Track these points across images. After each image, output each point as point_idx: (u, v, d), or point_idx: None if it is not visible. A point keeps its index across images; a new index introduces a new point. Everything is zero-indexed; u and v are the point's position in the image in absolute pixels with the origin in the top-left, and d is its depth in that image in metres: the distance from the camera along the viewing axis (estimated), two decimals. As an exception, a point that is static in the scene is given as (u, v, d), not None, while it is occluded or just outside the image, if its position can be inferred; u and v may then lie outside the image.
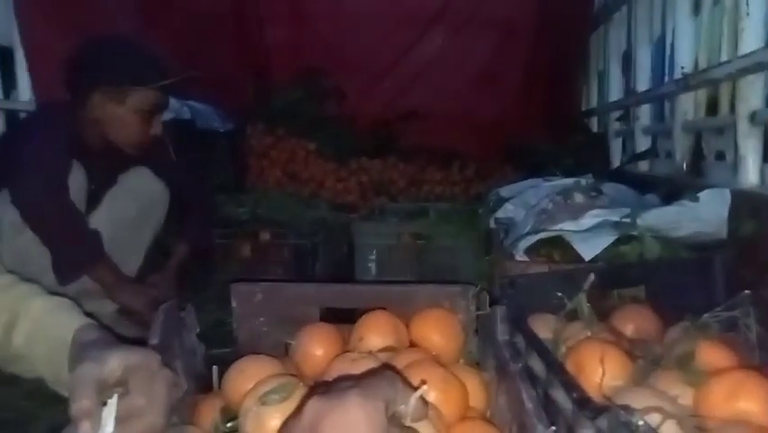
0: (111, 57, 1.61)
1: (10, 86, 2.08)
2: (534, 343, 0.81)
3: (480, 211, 2.13)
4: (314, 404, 0.52)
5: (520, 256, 1.38)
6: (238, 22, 3.54)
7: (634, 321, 0.96)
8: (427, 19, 3.61)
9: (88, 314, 0.86)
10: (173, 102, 2.08)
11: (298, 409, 0.54)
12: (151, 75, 1.60)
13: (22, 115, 2.07)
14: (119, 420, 0.65)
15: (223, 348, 1.11)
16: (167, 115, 1.98)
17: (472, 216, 2.14)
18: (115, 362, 0.69)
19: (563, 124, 3.31)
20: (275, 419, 0.70)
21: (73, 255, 1.50)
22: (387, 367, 0.73)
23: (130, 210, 1.67)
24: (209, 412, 0.84)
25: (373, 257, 2.03)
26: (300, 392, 0.74)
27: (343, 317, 1.08)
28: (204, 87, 2.40)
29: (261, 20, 3.66)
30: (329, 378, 0.78)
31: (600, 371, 0.71)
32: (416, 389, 0.57)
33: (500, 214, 1.85)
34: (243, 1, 3.55)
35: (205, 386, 0.98)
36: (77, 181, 1.52)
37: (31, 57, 1.99)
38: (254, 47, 3.69)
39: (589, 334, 0.87)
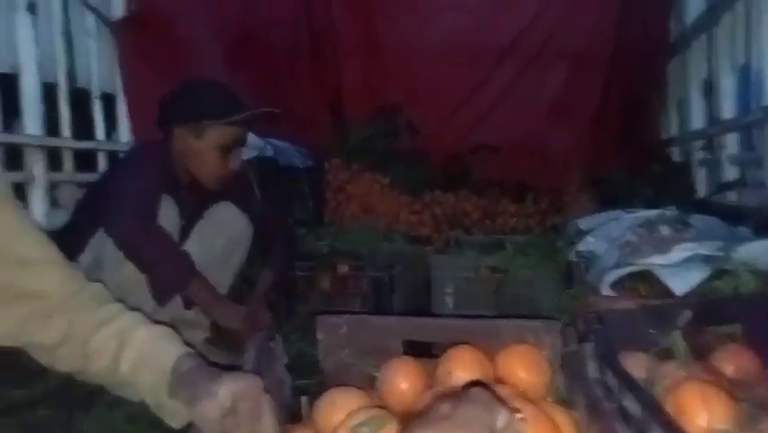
0: (191, 95, 1.72)
1: (111, 128, 2.25)
2: (629, 382, 0.79)
3: (559, 244, 2.09)
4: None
5: (606, 291, 1.34)
6: (315, 61, 3.68)
7: (734, 361, 0.92)
8: (499, 52, 3.62)
9: (186, 342, 0.92)
10: (256, 140, 2.19)
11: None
12: (226, 110, 1.69)
13: (122, 155, 2.23)
14: None
15: (307, 379, 1.14)
16: (250, 153, 2.08)
17: (550, 249, 2.11)
18: (226, 392, 0.74)
19: (641, 153, 3.22)
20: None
21: (167, 275, 1.58)
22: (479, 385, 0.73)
23: (216, 244, 1.75)
24: (300, 442, 0.86)
25: (450, 290, 2.03)
26: (391, 426, 0.75)
27: (423, 350, 1.09)
28: (284, 126, 2.51)
29: (338, 58, 3.79)
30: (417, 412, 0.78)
31: (704, 413, 0.68)
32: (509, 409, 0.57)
33: (581, 247, 1.81)
34: (320, 41, 3.69)
35: (292, 417, 1.01)
36: (168, 215, 1.61)
37: (130, 102, 2.14)
38: (331, 85, 3.82)
39: (685, 373, 0.83)
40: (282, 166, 2.52)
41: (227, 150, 1.71)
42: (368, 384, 1.05)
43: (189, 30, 2.34)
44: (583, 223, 2.08)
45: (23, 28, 1.80)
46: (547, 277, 1.99)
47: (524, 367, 0.94)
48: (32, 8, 1.81)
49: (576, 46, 3.47)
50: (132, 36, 2.15)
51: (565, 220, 2.41)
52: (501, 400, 0.58)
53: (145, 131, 2.07)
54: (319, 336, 1.11)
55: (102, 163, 2.21)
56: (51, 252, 0.95)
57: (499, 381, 0.94)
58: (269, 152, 2.43)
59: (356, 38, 3.75)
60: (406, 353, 1.06)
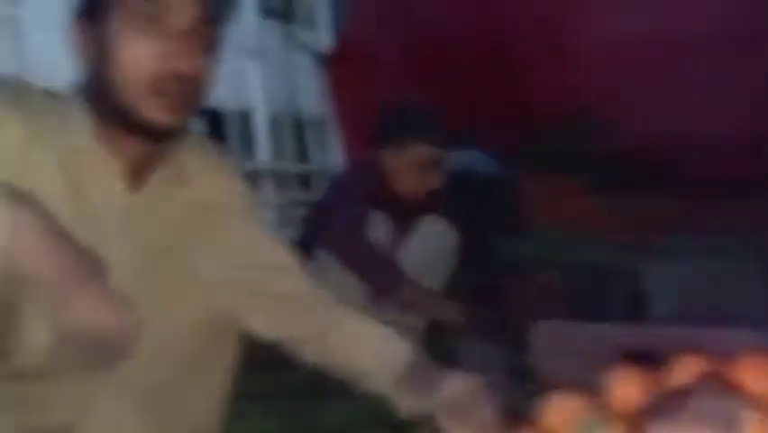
0: (394, 114, 1.86)
1: (324, 152, 2.51)
2: None
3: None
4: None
5: None
6: (500, 67, 3.69)
7: None
8: (705, 39, 3.31)
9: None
10: (454, 153, 2.27)
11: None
12: (424, 130, 1.79)
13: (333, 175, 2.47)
14: None
15: (523, 384, 1.17)
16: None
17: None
18: (452, 386, 0.81)
19: None
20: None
21: (379, 279, 1.72)
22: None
23: (426, 257, 1.87)
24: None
25: (668, 299, 1.90)
26: (616, 428, 0.76)
27: (643, 360, 1.05)
28: (477, 136, 2.57)
29: (523, 63, 3.77)
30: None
31: None
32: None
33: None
34: (504, 47, 3.69)
35: (510, 419, 1.05)
36: (378, 228, 1.76)
37: (340, 127, 2.37)
38: (519, 91, 3.80)
39: None
40: (477, 176, 2.58)
41: (428, 168, 1.82)
42: (586, 392, 1.05)
43: (386, 55, 2.53)
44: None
45: (253, 72, 2.11)
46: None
47: (761, 377, 0.87)
48: (260, 53, 2.11)
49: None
50: (337, 66, 2.39)
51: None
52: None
53: (354, 152, 2.27)
54: (534, 342, 1.14)
55: (316, 184, 2.47)
56: (294, 260, 1.11)
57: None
58: (465, 164, 2.51)
59: (543, 42, 3.70)
60: (625, 361, 1.04)
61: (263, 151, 2.19)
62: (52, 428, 0.95)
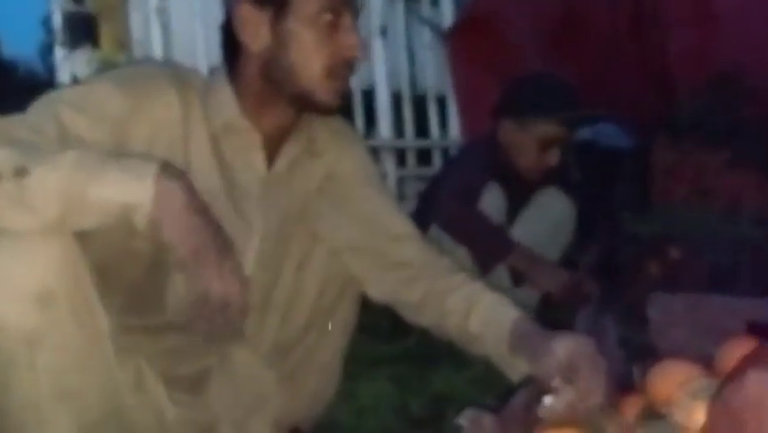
0: (522, 89, 1.83)
1: (444, 127, 2.55)
2: None
3: None
4: (759, 375, 0.53)
5: None
6: (638, 36, 3.48)
7: None
8: None
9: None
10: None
11: (735, 379, 0.55)
12: (553, 108, 1.74)
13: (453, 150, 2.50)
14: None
15: (638, 355, 1.15)
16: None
17: None
18: (564, 348, 0.83)
19: None
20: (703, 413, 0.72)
21: (487, 247, 1.72)
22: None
23: (542, 228, 1.85)
24: (631, 409, 0.89)
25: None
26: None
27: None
28: (610, 107, 2.46)
29: (662, 30, 3.52)
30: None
31: None
32: None
33: None
34: (642, 14, 3.47)
35: (624, 388, 1.04)
36: (495, 200, 1.76)
37: (460, 102, 2.39)
38: (655, 58, 3.56)
39: None
40: (603, 148, 2.49)
41: (548, 146, 1.78)
42: (705, 365, 1.01)
43: (511, 29, 2.50)
44: None
45: (377, 50, 2.19)
46: None
47: None
48: (383, 32, 2.19)
49: None
50: (460, 41, 2.40)
51: None
52: None
53: (474, 127, 2.28)
54: (652, 314, 1.11)
55: (436, 159, 2.52)
56: (414, 229, 1.17)
57: None
58: (588, 134, 2.43)
59: (683, 7, 3.44)
60: (748, 335, 0.99)
61: (385, 127, 2.27)
62: (193, 374, 1.09)
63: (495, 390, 1.42)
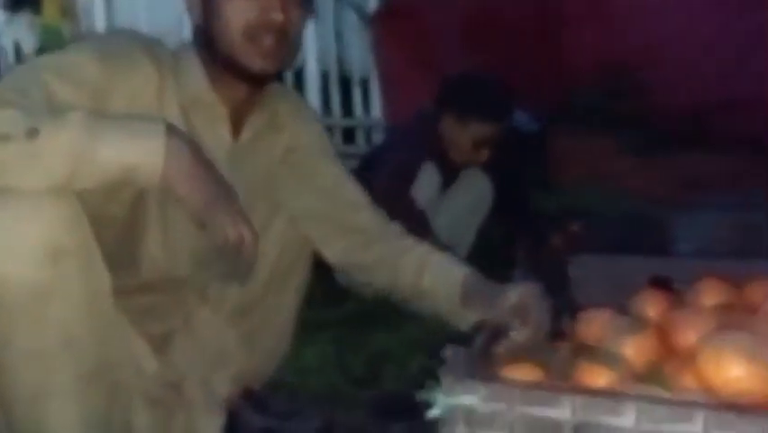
0: (467, 89, 1.96)
1: (367, 107, 2.66)
2: None
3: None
4: None
5: None
6: (541, 30, 3.75)
7: None
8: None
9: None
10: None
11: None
12: (494, 112, 1.89)
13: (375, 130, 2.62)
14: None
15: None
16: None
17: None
18: (515, 291, 0.97)
19: None
20: (629, 348, 0.88)
21: (408, 228, 1.85)
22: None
23: (465, 203, 2.02)
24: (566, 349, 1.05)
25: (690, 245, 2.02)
26: (649, 331, 0.91)
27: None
28: (518, 93, 2.67)
29: (562, 25, 3.82)
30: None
31: None
32: None
33: None
34: (546, 10, 3.75)
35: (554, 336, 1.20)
36: (431, 177, 1.90)
37: (383, 84, 2.50)
38: (554, 52, 3.86)
39: None
40: (514, 131, 2.69)
41: (483, 145, 1.94)
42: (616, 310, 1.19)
43: (430, 18, 2.63)
44: None
45: (307, 31, 2.24)
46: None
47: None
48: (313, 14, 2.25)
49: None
50: (383, 27, 2.51)
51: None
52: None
53: (395, 109, 2.41)
54: (572, 272, 1.28)
55: (360, 137, 2.63)
56: (366, 198, 1.27)
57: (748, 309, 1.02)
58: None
59: (579, 6, 3.75)
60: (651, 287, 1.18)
61: (313, 106, 2.34)
62: (160, 334, 1.13)
63: (424, 348, 1.58)
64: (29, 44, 1.45)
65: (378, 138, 2.77)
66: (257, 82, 1.06)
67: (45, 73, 0.89)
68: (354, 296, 1.85)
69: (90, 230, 0.86)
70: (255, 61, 1.01)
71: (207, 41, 1.03)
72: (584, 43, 3.75)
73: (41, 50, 1.44)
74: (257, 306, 1.25)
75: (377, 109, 2.66)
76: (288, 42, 1.04)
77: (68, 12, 1.44)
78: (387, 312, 1.81)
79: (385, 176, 1.85)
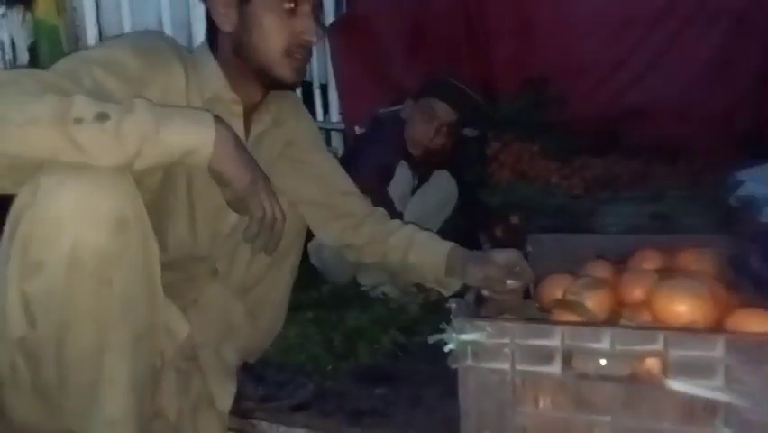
0: (430, 83, 2.15)
1: (326, 111, 2.81)
2: None
3: (719, 193, 2.29)
4: None
5: (766, 218, 1.60)
6: (469, 42, 4.03)
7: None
8: (652, 18, 3.72)
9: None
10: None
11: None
12: (457, 99, 2.08)
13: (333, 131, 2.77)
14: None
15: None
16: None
17: (710, 198, 2.31)
18: (500, 254, 1.16)
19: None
20: (591, 300, 1.09)
21: None
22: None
23: (433, 201, 2.20)
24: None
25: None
26: (605, 289, 1.13)
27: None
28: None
29: (489, 38, 4.12)
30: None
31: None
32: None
33: (741, 192, 2.04)
34: (473, 24, 4.04)
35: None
36: (405, 176, 2.07)
37: (340, 89, 2.66)
38: (484, 63, 4.15)
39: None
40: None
41: (440, 127, 2.09)
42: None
43: (382, 32, 2.83)
44: (743, 174, 2.28)
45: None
46: (709, 222, 2.20)
47: (696, 261, 1.25)
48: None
49: (736, 5, 3.47)
50: (340, 38, 2.68)
51: (723, 176, 2.57)
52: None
53: (352, 113, 2.59)
54: (528, 249, 1.49)
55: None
56: (355, 187, 1.42)
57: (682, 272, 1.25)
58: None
59: (504, 19, 4.06)
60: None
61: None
62: (183, 305, 1.24)
63: (396, 325, 1.75)
64: (22, 39, 1.48)
65: (336, 141, 2.93)
66: (281, 89, 1.20)
67: (94, 66, 0.98)
68: (324, 282, 2.00)
69: (143, 205, 0.95)
70: (289, 74, 1.14)
71: (238, 47, 1.13)
72: (509, 57, 4.08)
73: (34, 45, 1.50)
74: (259, 282, 1.38)
75: (335, 113, 2.85)
76: (310, 58, 1.19)
77: (61, 8, 1.50)
78: (358, 294, 1.98)
79: (366, 177, 1.96)
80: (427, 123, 2.09)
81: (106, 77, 0.98)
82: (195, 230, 1.19)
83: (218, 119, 0.97)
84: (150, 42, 1.11)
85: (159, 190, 1.12)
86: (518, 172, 3.64)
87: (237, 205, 1.01)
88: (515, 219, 2.57)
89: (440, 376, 0.99)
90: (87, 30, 1.65)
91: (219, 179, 0.97)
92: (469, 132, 3.11)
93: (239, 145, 0.97)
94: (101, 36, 1.71)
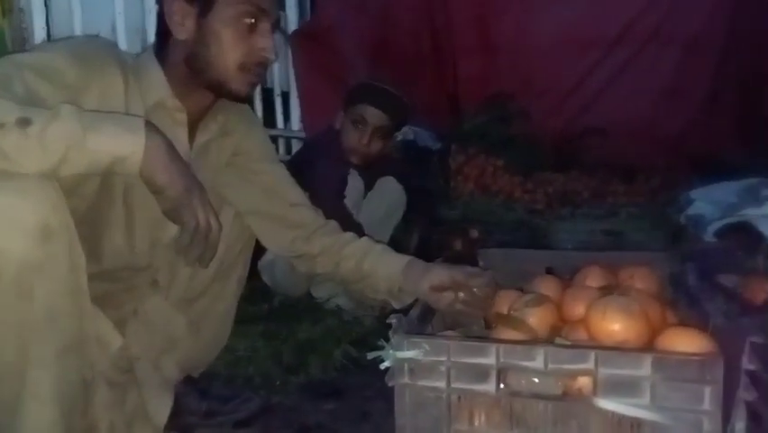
0: (363, 87, 2.15)
1: (287, 119, 2.80)
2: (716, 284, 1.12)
3: (670, 211, 2.36)
4: None
5: (709, 238, 1.64)
6: (435, 59, 4.09)
7: None
8: (610, 41, 3.85)
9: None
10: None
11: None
12: (379, 100, 2.06)
13: (293, 139, 2.76)
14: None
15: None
16: (397, 136, 2.50)
17: (662, 216, 2.37)
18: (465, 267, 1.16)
19: (759, 129, 3.32)
20: (533, 317, 1.10)
21: None
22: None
23: (381, 208, 2.19)
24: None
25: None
26: (549, 303, 1.14)
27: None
28: (414, 114, 2.94)
29: (454, 55, 4.19)
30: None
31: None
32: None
33: (690, 211, 2.09)
34: (440, 42, 4.10)
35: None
36: (356, 185, 2.05)
37: (301, 97, 2.66)
38: (448, 78, 4.21)
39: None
40: (419, 147, 2.95)
41: (373, 132, 2.07)
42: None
43: (343, 42, 2.85)
44: (694, 193, 2.34)
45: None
46: (659, 239, 2.26)
47: (638, 278, 1.27)
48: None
49: (688, 32, 3.62)
50: (302, 47, 2.68)
51: (676, 195, 2.64)
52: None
53: (312, 120, 2.58)
54: (480, 263, 1.50)
55: (281, 147, 2.79)
56: (305, 198, 1.41)
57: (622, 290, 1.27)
58: (410, 136, 2.87)
59: (470, 37, 4.15)
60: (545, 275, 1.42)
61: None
62: (117, 319, 1.20)
63: (347, 338, 1.73)
64: (-30, 42, 1.46)
65: (297, 148, 2.92)
66: (233, 100, 1.18)
67: (27, 72, 0.95)
68: (276, 294, 1.97)
69: (69, 213, 0.92)
70: (244, 89, 1.14)
71: (191, 57, 1.11)
72: (474, 73, 4.15)
73: (-19, 47, 1.48)
74: (203, 294, 1.35)
75: (296, 121, 2.84)
76: (265, 71, 1.18)
77: (7, 9, 1.45)
78: (310, 307, 1.96)
79: (323, 194, 1.92)
80: (360, 130, 2.09)
81: (39, 83, 0.96)
82: (132, 239, 1.16)
83: (151, 126, 0.94)
84: (88, 48, 1.08)
85: (95, 198, 1.09)
86: (482, 186, 3.69)
87: (172, 214, 0.98)
88: (474, 233, 2.59)
89: (390, 391, 0.98)
90: (35, 33, 1.61)
91: (151, 187, 0.95)
92: (432, 144, 3.14)
93: (172, 153, 0.95)
94: (50, 40, 1.67)
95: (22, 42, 1.63)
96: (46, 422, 0.92)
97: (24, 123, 0.84)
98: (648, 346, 0.95)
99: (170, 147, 0.95)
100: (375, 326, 1.86)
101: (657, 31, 3.72)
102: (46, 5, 1.63)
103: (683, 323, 1.08)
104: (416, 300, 1.24)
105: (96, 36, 1.24)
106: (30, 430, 0.91)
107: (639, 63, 3.80)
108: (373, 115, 2.09)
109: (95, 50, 1.08)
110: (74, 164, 0.88)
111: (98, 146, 0.89)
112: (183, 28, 1.10)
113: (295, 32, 2.77)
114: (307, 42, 2.70)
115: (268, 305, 1.89)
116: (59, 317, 0.91)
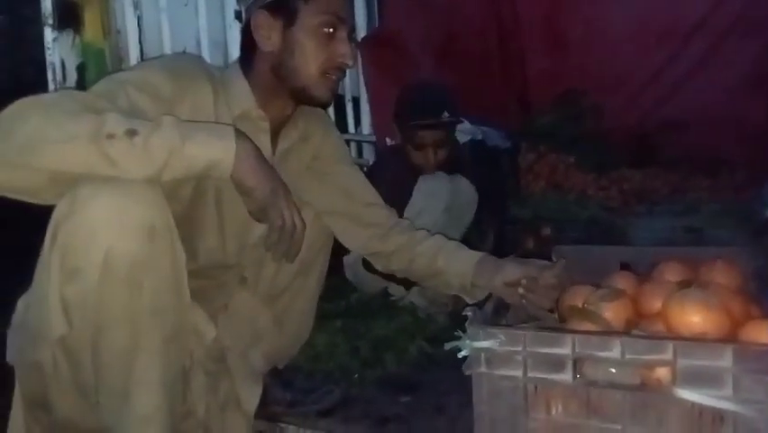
0: (402, 100, 2.12)
1: (357, 123, 2.88)
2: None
3: (755, 207, 2.26)
4: None
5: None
6: (504, 58, 4.07)
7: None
8: (687, 31, 3.69)
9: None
10: (470, 126, 2.63)
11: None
12: (421, 116, 2.02)
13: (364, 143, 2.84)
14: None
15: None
16: (466, 136, 2.51)
17: (746, 212, 2.27)
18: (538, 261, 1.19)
19: None
20: (609, 311, 1.10)
21: None
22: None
23: (453, 207, 2.19)
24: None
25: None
26: (625, 298, 1.14)
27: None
28: (483, 114, 2.94)
29: (524, 54, 4.15)
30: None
31: None
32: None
33: (775, 205, 2.00)
34: (507, 40, 4.07)
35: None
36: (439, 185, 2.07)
37: (371, 102, 2.73)
38: (516, 77, 4.18)
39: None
40: (489, 147, 2.95)
41: (433, 148, 2.05)
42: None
43: (411, 45, 2.90)
44: (779, 186, 2.23)
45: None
46: (743, 236, 2.17)
47: (718, 273, 1.25)
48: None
49: (769, 16, 3.43)
50: (371, 52, 2.76)
51: (762, 190, 2.52)
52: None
53: (382, 125, 2.65)
54: (554, 260, 1.50)
55: (352, 150, 2.88)
56: (379, 198, 1.47)
57: (702, 284, 1.25)
58: (479, 136, 2.88)
59: (539, 34, 4.09)
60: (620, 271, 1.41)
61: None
62: (209, 314, 1.29)
63: (422, 334, 1.77)
64: (71, 61, 1.59)
65: (368, 153, 3.01)
66: (315, 105, 1.26)
67: (128, 86, 1.06)
68: (355, 291, 2.04)
69: (171, 215, 1.01)
70: (326, 94, 1.21)
71: (277, 67, 1.20)
72: (543, 71, 4.09)
73: (82, 66, 1.61)
74: (286, 290, 1.43)
75: (366, 125, 2.93)
76: (344, 76, 1.25)
77: (107, 31, 1.60)
78: (385, 304, 2.01)
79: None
80: (421, 150, 2.08)
81: (140, 96, 1.05)
82: (224, 240, 1.25)
83: (240, 133, 1.02)
84: (180, 64, 1.18)
85: (190, 202, 1.18)
86: (553, 184, 3.64)
87: (259, 214, 1.06)
88: (546, 231, 2.58)
89: (464, 385, 1.02)
90: (130, 51, 1.75)
91: (241, 189, 1.02)
92: (501, 143, 3.14)
93: (259, 157, 1.03)
94: (143, 57, 1.81)
95: (119, 60, 1.78)
96: (152, 407, 1.00)
97: (131, 133, 0.93)
98: (727, 338, 0.94)
99: (258, 152, 1.03)
100: (447, 323, 1.89)
101: (739, 18, 3.53)
102: (139, 26, 1.77)
103: (767, 317, 1.05)
104: (490, 296, 1.27)
105: (184, 52, 1.35)
106: (138, 414, 1.00)
107: (719, 53, 3.61)
108: (427, 136, 2.06)
109: (186, 65, 1.18)
110: (174, 169, 0.97)
111: (195, 152, 0.97)
112: (269, 41, 1.18)
113: (364, 38, 2.85)
114: (376, 48, 2.77)
115: (345, 302, 1.96)
116: (165, 310, 0.99)
